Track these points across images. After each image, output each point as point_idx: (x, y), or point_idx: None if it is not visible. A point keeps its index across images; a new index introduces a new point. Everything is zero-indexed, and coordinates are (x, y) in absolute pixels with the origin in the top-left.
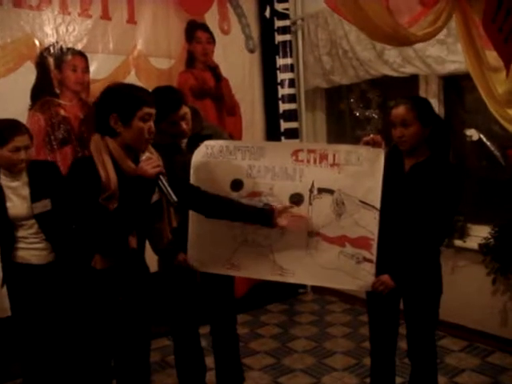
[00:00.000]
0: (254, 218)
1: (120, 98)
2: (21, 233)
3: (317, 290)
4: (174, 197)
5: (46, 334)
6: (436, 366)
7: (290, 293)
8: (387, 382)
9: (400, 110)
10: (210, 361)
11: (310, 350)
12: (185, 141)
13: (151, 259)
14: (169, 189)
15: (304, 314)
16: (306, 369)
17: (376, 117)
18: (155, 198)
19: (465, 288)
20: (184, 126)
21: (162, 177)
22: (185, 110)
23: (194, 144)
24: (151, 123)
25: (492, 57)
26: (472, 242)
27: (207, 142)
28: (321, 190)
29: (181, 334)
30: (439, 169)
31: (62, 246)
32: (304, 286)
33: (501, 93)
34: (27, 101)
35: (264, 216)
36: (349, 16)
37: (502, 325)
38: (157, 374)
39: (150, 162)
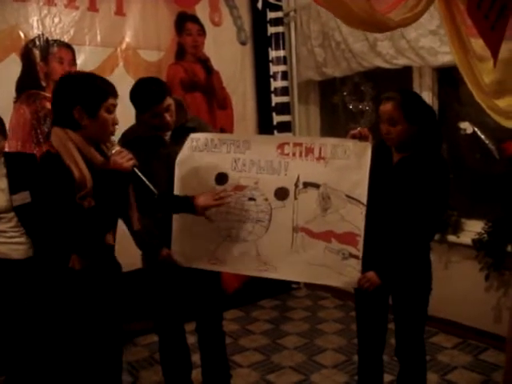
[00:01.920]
0: (179, 206)
1: (85, 89)
2: (0, 226)
3: (310, 285)
4: (153, 188)
5: (26, 332)
6: (425, 364)
7: (282, 288)
8: (374, 379)
9: (387, 108)
10: (196, 358)
11: (300, 346)
12: (168, 133)
13: (135, 256)
14: (147, 181)
15: (296, 309)
16: (295, 366)
17: (369, 110)
18: None
19: (458, 284)
20: (168, 117)
21: (137, 169)
22: (169, 101)
23: (177, 136)
24: (115, 114)
25: (478, 45)
26: (465, 237)
27: (193, 135)
28: (306, 184)
29: (166, 330)
30: (427, 163)
31: (40, 243)
32: (297, 282)
33: (488, 83)
34: (12, 93)
35: (186, 203)
36: (323, 1)
37: (496, 321)
38: (144, 371)
39: (123, 154)
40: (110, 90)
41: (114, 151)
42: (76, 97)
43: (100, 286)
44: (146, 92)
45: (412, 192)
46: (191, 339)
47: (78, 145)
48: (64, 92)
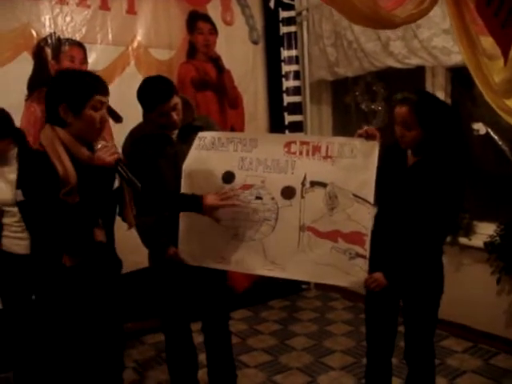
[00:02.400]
0: (187, 205)
1: (69, 87)
2: (6, 220)
3: (320, 286)
4: (137, 182)
5: (30, 328)
6: (434, 368)
7: (292, 289)
8: (382, 383)
9: (403, 111)
10: (203, 357)
11: (308, 347)
12: (175, 132)
13: (142, 254)
14: (130, 175)
15: (305, 310)
16: (302, 367)
17: (382, 110)
18: (115, 185)
19: (469, 287)
20: (175, 116)
21: (120, 163)
22: (175, 100)
23: (185, 135)
24: (103, 111)
25: (488, 43)
26: (477, 240)
27: (200, 134)
28: (313, 183)
29: (172, 329)
30: (442, 166)
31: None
32: (307, 282)
33: (498, 82)
34: (24, 91)
35: (194, 201)
36: None
37: (508, 326)
38: (151, 370)
39: (107, 149)
40: (96, 87)
41: (98, 146)
42: (61, 94)
43: (93, 284)
44: (153, 91)
45: (426, 195)
46: (198, 339)
47: (65, 142)
48: (52, 89)
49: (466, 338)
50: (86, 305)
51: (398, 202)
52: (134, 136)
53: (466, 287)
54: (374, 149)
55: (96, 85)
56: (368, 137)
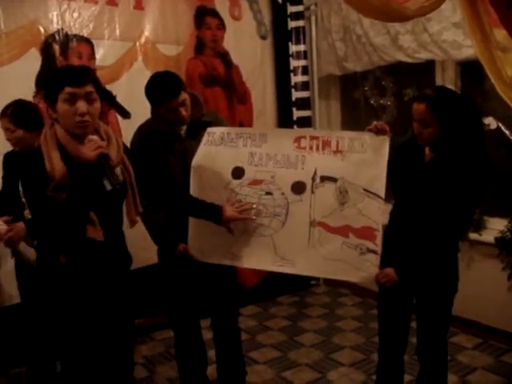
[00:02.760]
0: (204, 213)
1: (46, 84)
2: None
3: (329, 282)
4: (118, 177)
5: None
6: (446, 365)
7: (301, 284)
8: (394, 380)
9: (420, 108)
10: (212, 354)
11: (317, 343)
12: (184, 127)
13: (151, 250)
14: (111, 170)
15: (315, 306)
16: (311, 363)
17: (391, 105)
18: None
19: (480, 283)
20: (183, 112)
21: (105, 159)
22: (184, 96)
23: (193, 131)
24: (81, 103)
25: (501, 36)
26: (488, 236)
27: (209, 129)
28: (323, 178)
29: (182, 326)
30: (461, 162)
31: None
32: (316, 278)
33: (510, 75)
34: (32, 88)
35: (213, 212)
36: None
37: None
38: (161, 366)
39: (90, 144)
40: (66, 79)
41: (85, 142)
42: (44, 92)
43: (95, 280)
44: (161, 87)
45: (443, 191)
46: (207, 335)
47: (60, 139)
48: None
49: (476, 335)
50: (87, 302)
51: (415, 198)
52: (143, 132)
53: (477, 283)
54: (384, 143)
55: (66, 77)
56: (378, 132)
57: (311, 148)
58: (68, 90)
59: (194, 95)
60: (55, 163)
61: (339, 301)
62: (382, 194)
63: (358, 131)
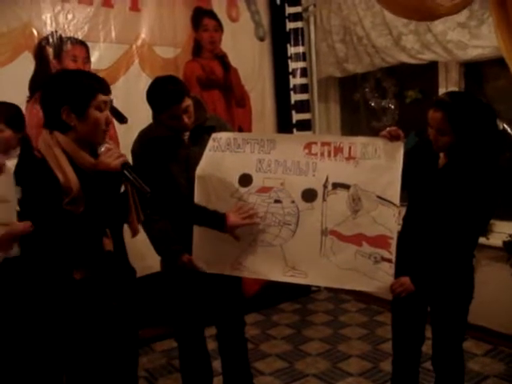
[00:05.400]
0: (207, 221)
1: (71, 88)
2: None
3: (330, 288)
4: (145, 186)
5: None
6: (463, 375)
7: (302, 291)
8: None
9: (437, 117)
10: (218, 365)
11: (323, 352)
12: (187, 133)
13: (151, 259)
14: (138, 179)
15: (317, 313)
16: (319, 374)
17: (392, 107)
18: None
19: (488, 288)
20: (186, 119)
21: (127, 167)
22: (187, 102)
23: (196, 136)
24: (107, 112)
25: None
26: (496, 240)
27: (214, 135)
28: (336, 185)
29: (186, 337)
30: (476, 168)
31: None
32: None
33: None
34: (25, 92)
35: (216, 218)
36: None
37: None
38: (162, 379)
39: (111, 153)
40: (98, 87)
41: (102, 150)
42: (62, 96)
43: (107, 296)
44: (163, 92)
45: (458, 197)
46: (211, 345)
47: (65, 148)
48: (50, 92)
49: (486, 341)
50: (100, 317)
51: (429, 204)
52: (144, 138)
53: (485, 288)
54: (399, 149)
55: (98, 84)
56: (392, 138)
57: (322, 154)
58: (101, 97)
59: (196, 98)
60: (69, 175)
61: (342, 307)
62: (397, 201)
63: (370, 136)
